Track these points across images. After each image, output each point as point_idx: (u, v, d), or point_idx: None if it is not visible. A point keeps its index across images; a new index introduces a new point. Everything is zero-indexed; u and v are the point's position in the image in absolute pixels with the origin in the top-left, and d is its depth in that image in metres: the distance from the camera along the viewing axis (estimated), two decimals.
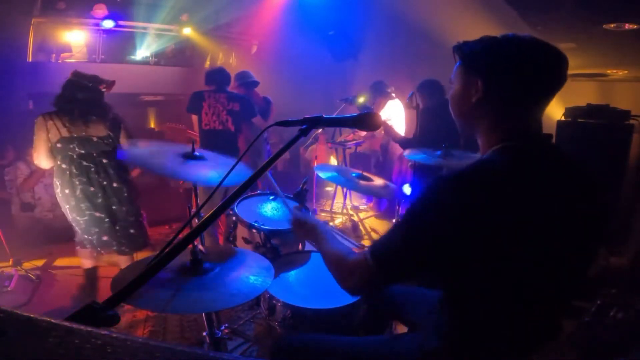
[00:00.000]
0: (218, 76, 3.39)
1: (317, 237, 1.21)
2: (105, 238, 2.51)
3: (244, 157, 1.52)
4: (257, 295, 1.19)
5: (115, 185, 2.50)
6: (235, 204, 2.00)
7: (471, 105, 0.97)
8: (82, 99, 2.35)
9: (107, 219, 2.49)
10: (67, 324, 0.35)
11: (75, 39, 5.09)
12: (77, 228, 2.50)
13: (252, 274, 1.24)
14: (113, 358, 0.32)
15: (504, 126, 0.94)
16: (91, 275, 2.73)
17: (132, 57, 5.52)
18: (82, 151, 2.39)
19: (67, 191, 2.41)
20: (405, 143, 3.20)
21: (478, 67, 0.95)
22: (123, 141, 2.52)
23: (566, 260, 0.89)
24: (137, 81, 5.36)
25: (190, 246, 1.17)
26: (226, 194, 3.06)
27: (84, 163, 2.40)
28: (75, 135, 2.35)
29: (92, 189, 2.43)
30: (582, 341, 2.14)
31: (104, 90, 2.47)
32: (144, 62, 5.59)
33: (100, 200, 2.46)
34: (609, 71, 4.10)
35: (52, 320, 0.35)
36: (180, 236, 0.72)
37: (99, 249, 2.55)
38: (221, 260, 1.31)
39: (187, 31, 5.58)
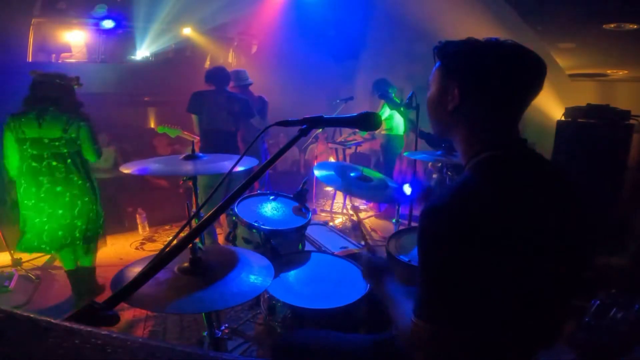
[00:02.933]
0: (218, 76, 3.40)
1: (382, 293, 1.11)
2: (60, 233, 2.50)
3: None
4: (257, 295, 1.19)
5: (80, 183, 2.51)
6: (235, 204, 2.00)
7: (447, 113, 0.94)
8: (54, 98, 2.37)
9: (69, 217, 2.50)
10: (67, 324, 0.35)
11: (75, 39, 5.09)
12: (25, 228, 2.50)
13: (252, 274, 1.24)
14: (113, 358, 0.32)
15: (482, 135, 0.92)
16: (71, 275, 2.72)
17: (132, 57, 5.52)
18: (35, 152, 2.39)
19: (33, 190, 2.43)
20: (429, 138, 3.13)
21: (457, 72, 0.92)
22: (85, 144, 2.49)
23: (558, 269, 0.88)
24: (137, 81, 5.36)
25: (190, 246, 1.16)
26: (228, 191, 3.07)
27: (53, 163, 2.41)
28: (34, 136, 2.35)
29: (58, 188, 2.45)
30: (581, 341, 2.14)
31: (75, 86, 2.49)
32: (144, 62, 5.59)
33: (66, 199, 2.47)
34: (609, 71, 4.10)
35: (52, 320, 0.35)
36: (181, 236, 0.72)
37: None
38: (221, 260, 1.31)
39: (187, 31, 5.58)
